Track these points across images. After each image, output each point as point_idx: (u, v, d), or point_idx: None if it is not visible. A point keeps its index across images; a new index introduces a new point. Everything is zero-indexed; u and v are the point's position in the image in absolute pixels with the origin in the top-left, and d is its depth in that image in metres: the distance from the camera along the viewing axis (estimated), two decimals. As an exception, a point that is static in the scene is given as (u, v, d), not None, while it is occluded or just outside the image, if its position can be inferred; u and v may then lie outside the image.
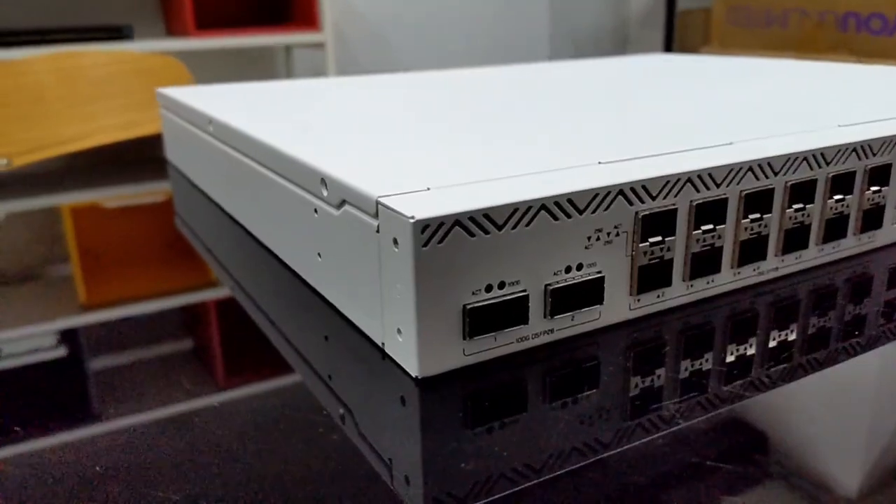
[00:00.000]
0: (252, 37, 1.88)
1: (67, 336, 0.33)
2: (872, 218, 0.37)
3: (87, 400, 0.28)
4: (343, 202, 0.29)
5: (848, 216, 0.36)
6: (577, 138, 0.36)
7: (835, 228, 0.35)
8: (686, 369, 0.27)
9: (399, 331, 0.27)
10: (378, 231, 0.27)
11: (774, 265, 0.34)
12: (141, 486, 0.22)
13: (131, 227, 0.51)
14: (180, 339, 0.33)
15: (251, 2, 2.11)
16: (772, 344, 0.29)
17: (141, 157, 0.82)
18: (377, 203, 0.26)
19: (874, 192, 0.36)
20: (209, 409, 0.26)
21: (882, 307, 0.32)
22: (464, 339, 0.27)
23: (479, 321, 0.27)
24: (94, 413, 0.27)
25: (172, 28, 1.96)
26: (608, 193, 0.28)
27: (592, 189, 0.28)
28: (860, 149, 0.35)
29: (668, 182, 0.30)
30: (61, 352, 0.32)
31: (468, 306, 0.26)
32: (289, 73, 2.22)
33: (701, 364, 0.28)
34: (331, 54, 1.98)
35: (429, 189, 0.27)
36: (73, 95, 1.19)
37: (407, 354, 0.27)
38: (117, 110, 1.20)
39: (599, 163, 0.31)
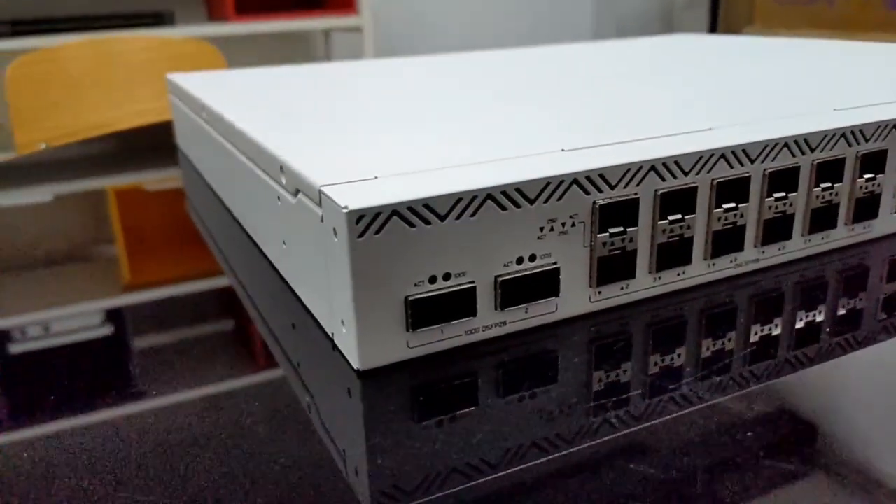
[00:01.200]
0: (290, 21, 1.89)
1: (108, 314, 0.34)
2: (867, 207, 0.35)
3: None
4: (297, 190, 0.29)
5: (837, 205, 0.34)
6: (552, 124, 0.34)
7: (822, 218, 0.34)
8: (641, 367, 0.26)
9: (343, 322, 0.26)
10: (322, 220, 0.26)
11: (754, 256, 0.33)
12: (107, 484, 0.22)
13: (171, 209, 0.51)
14: (153, 329, 0.34)
15: (290, -14, 2.12)
16: (734, 341, 0.28)
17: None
18: (319, 192, 0.26)
19: (867, 179, 0.34)
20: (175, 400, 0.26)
21: (861, 303, 0.30)
22: (407, 331, 0.26)
23: (422, 313, 0.26)
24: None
25: (214, 13, 1.99)
26: (561, 183, 0.27)
27: (543, 178, 0.27)
28: (850, 134, 0.33)
29: (628, 170, 0.28)
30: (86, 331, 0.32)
31: (410, 298, 0.26)
32: (327, 57, 2.23)
33: (659, 361, 0.27)
34: (368, 38, 1.98)
35: (376, 178, 0.27)
36: (109, 81, 1.21)
37: (350, 346, 0.26)
38: (152, 95, 1.22)
39: (563, 150, 0.30)
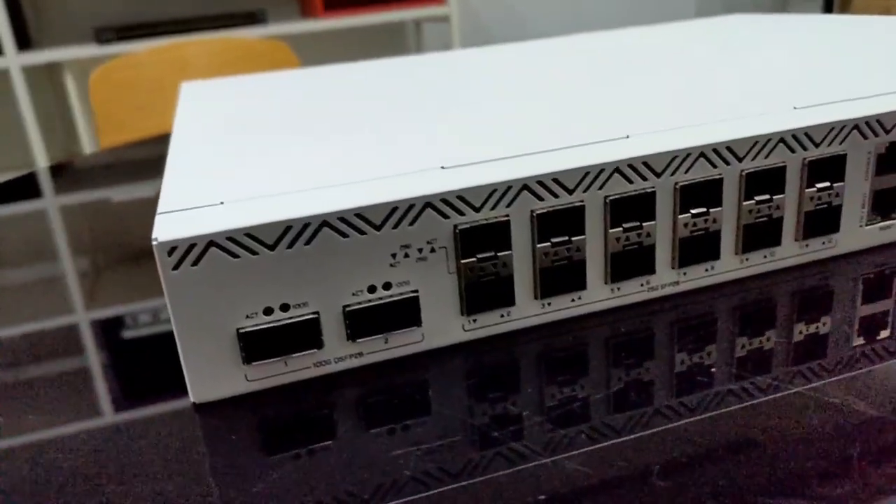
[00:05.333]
0: (378, 14, 1.91)
1: None
2: (823, 220, 0.30)
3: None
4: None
5: (780, 220, 0.30)
6: (459, 137, 0.32)
7: (759, 234, 0.30)
8: (513, 402, 0.24)
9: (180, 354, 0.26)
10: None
11: (672, 279, 0.29)
12: None
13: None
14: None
15: (378, -21, 2.13)
16: (619, 381, 0.25)
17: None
18: (156, 218, 0.26)
19: (821, 189, 0.30)
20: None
21: (767, 343, 0.27)
22: (244, 364, 0.25)
23: (256, 346, 0.25)
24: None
25: (305, 10, 2.04)
26: (411, 207, 0.25)
27: (388, 203, 0.25)
28: (792, 139, 0.29)
29: (493, 191, 0.26)
30: None
31: (241, 330, 0.25)
32: (418, 48, 2.24)
33: (532, 397, 0.24)
34: (456, 27, 1.97)
35: (222, 203, 0.26)
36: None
37: (186, 379, 0.26)
38: (227, 96, 1.26)
39: (442, 167, 0.28)
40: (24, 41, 1.73)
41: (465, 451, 0.22)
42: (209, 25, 1.79)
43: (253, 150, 0.33)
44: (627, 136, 0.29)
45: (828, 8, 1.92)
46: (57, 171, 0.70)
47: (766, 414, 0.22)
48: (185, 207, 0.26)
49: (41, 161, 1.67)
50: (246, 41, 1.36)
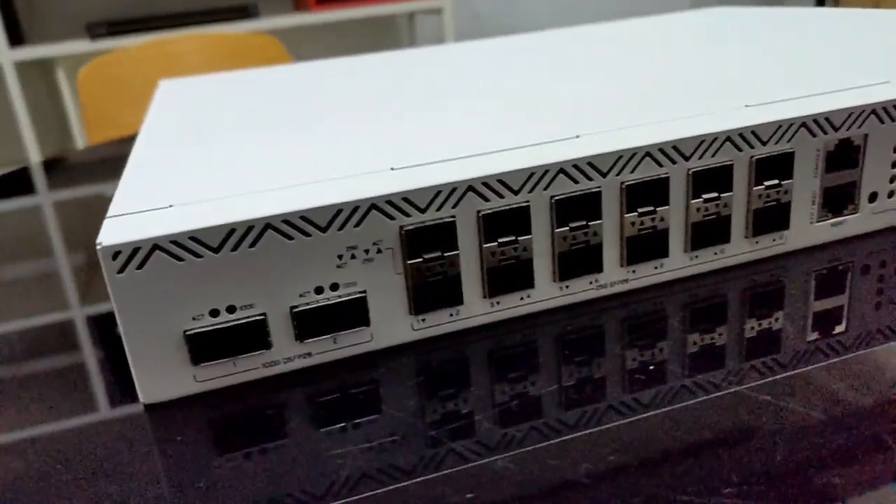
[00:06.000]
0: (370, 7, 1.91)
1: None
2: (772, 217, 0.31)
3: None
4: (123, 217, 0.29)
5: (728, 217, 0.30)
6: (415, 137, 0.32)
7: (709, 232, 0.30)
8: (463, 399, 0.25)
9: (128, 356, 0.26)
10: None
11: (622, 277, 0.30)
12: None
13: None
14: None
15: (370, -28, 2.13)
16: (567, 380, 0.25)
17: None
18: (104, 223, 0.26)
19: (769, 187, 0.30)
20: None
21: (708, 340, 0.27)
22: (192, 365, 0.26)
23: (203, 347, 0.25)
24: None
25: (298, 4, 2.04)
26: (356, 209, 0.26)
27: (332, 205, 0.25)
28: (739, 138, 0.29)
29: (438, 193, 0.26)
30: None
31: (188, 332, 0.25)
32: (411, 41, 2.23)
33: (482, 395, 0.25)
34: (449, 20, 1.97)
35: (171, 206, 0.26)
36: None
37: (135, 380, 0.26)
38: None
39: (392, 169, 0.28)
40: (16, 37, 1.73)
41: (416, 448, 0.22)
42: (201, 20, 1.79)
43: (213, 151, 0.33)
44: (577, 136, 0.30)
45: (820, 1, 1.92)
46: (50, 166, 0.71)
47: (705, 412, 0.23)
48: (135, 211, 0.26)
49: (34, 157, 1.67)
50: (235, 36, 1.36)
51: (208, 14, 1.81)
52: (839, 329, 0.26)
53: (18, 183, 0.63)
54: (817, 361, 0.25)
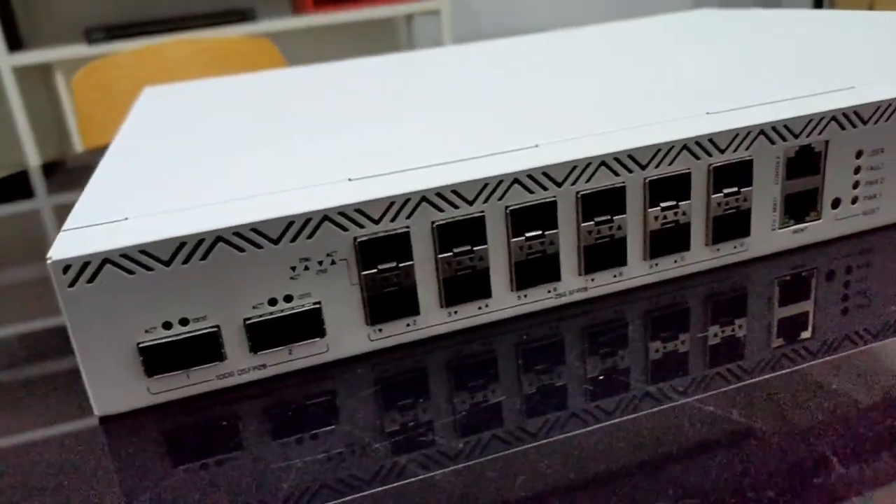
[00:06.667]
0: (368, 9, 1.91)
1: None
2: (732, 225, 0.31)
3: None
4: (84, 229, 0.29)
5: (687, 225, 0.30)
6: (377, 147, 0.32)
7: (666, 240, 0.30)
8: (422, 409, 0.25)
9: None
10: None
11: (580, 285, 0.30)
12: None
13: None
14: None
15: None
16: (529, 387, 0.25)
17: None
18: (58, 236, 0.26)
19: (728, 195, 0.30)
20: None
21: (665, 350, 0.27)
22: (146, 377, 0.26)
23: (156, 359, 0.26)
24: None
25: (296, 6, 2.04)
26: (308, 220, 0.26)
27: (284, 217, 0.26)
28: (696, 146, 0.29)
29: (392, 204, 0.26)
30: None
31: (141, 344, 0.25)
32: (410, 43, 2.24)
33: (439, 405, 0.25)
34: (446, 22, 1.97)
35: (126, 219, 0.27)
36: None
37: (89, 393, 0.26)
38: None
39: (349, 179, 0.28)
40: (15, 42, 1.74)
41: (371, 459, 0.23)
42: (200, 24, 1.80)
43: (179, 162, 0.33)
44: (536, 145, 0.30)
45: (818, 2, 1.91)
46: (49, 169, 0.71)
47: (649, 425, 0.23)
48: (90, 224, 0.26)
49: (33, 160, 1.68)
50: (231, 40, 1.36)
51: (207, 18, 1.82)
52: (803, 335, 0.26)
53: (17, 186, 0.64)
54: (776, 370, 0.25)
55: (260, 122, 0.40)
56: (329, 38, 2.15)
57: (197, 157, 0.34)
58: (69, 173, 0.69)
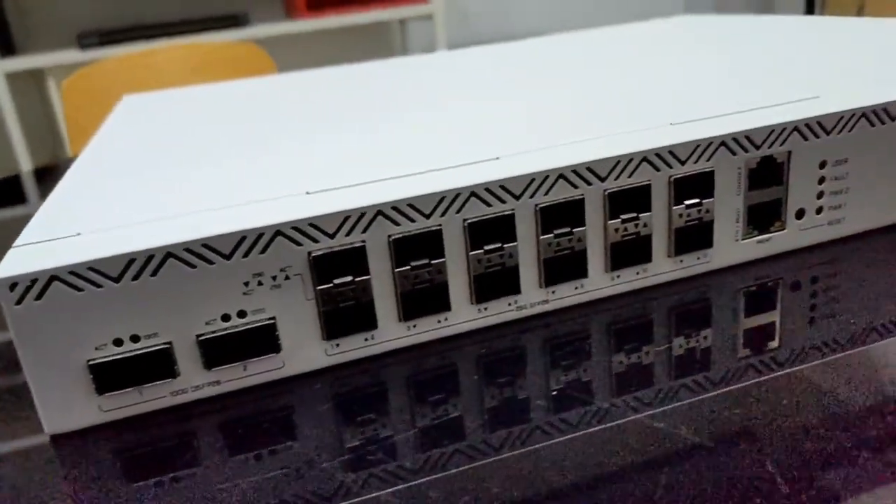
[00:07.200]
0: (361, 14, 1.91)
1: None
2: (695, 236, 0.31)
3: None
4: (41, 243, 0.29)
5: (649, 237, 0.30)
6: (339, 159, 0.32)
7: (627, 252, 0.30)
8: (382, 424, 0.24)
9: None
10: (6, 284, 0.26)
11: (541, 298, 0.30)
12: None
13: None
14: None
15: (361, -22, 2.13)
16: (492, 399, 0.25)
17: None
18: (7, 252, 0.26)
19: (689, 206, 0.30)
20: None
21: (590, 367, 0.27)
22: (97, 394, 0.26)
23: (107, 377, 0.25)
24: None
25: (289, 11, 2.04)
26: (260, 236, 0.26)
27: (237, 232, 0.25)
28: (656, 157, 0.29)
29: (347, 218, 0.26)
30: None
31: (91, 362, 0.25)
32: (404, 47, 2.23)
33: (398, 420, 0.25)
34: (440, 26, 1.97)
35: (78, 234, 0.26)
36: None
37: (39, 411, 0.26)
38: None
39: (307, 192, 0.28)
40: (7, 47, 1.74)
41: (327, 475, 0.22)
42: (193, 29, 1.80)
43: (140, 174, 0.33)
44: (498, 157, 0.30)
45: (809, 2, 1.91)
46: (41, 174, 0.71)
47: (608, 439, 0.22)
48: (41, 240, 0.26)
49: (25, 165, 1.68)
50: (220, 46, 1.36)
51: (201, 23, 1.82)
52: (770, 346, 0.26)
53: (9, 191, 0.64)
54: (737, 382, 0.24)
55: (230, 133, 0.40)
56: (323, 43, 2.15)
57: (159, 170, 0.33)
58: (61, 178, 0.69)
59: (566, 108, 0.36)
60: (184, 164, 0.34)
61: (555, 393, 0.25)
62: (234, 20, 1.85)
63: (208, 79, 1.27)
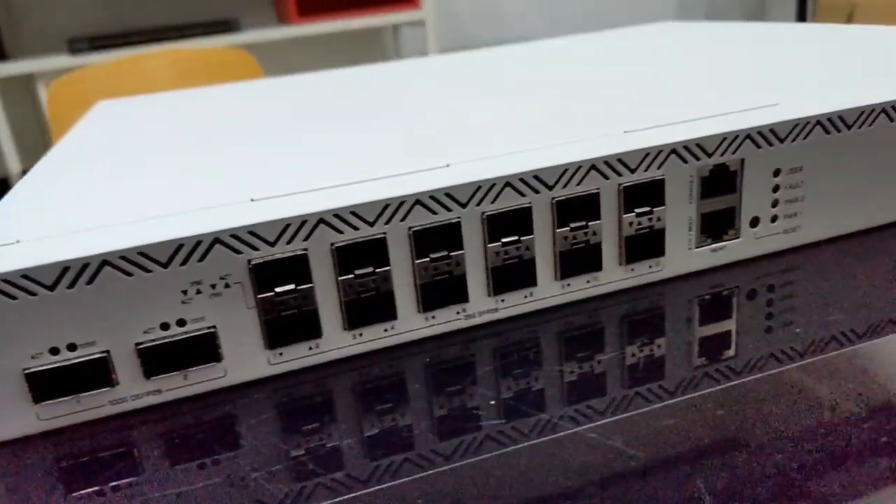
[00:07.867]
0: (353, 19, 1.91)
1: None
2: (646, 244, 0.30)
3: None
4: None
5: (597, 245, 0.30)
6: (290, 166, 0.32)
7: (577, 260, 0.30)
8: (327, 434, 0.24)
9: (-26, 393, 0.26)
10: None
11: (490, 306, 0.29)
12: None
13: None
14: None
15: (353, -16, 2.13)
16: (440, 409, 0.25)
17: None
18: (-54, 261, 0.26)
19: (640, 214, 0.30)
20: None
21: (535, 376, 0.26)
22: (34, 403, 0.25)
23: (43, 385, 0.25)
24: None
25: (281, 16, 2.04)
26: (198, 243, 0.25)
27: (174, 240, 0.25)
28: (605, 165, 0.29)
29: (287, 226, 0.26)
30: None
31: (26, 370, 0.25)
32: (396, 53, 2.24)
33: (342, 429, 0.24)
34: (431, 32, 1.97)
35: (18, 241, 0.26)
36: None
37: (-22, 418, 0.26)
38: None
39: (252, 200, 0.28)
40: (-3, 53, 1.74)
41: (273, 485, 0.22)
42: (185, 34, 1.80)
43: (90, 181, 0.33)
44: (448, 165, 0.29)
45: (801, 9, 1.92)
46: None
47: (552, 452, 0.22)
48: (-19, 247, 0.26)
49: (14, 169, 1.67)
50: (207, 51, 1.36)
51: (192, 28, 1.82)
52: (726, 354, 0.26)
53: None
54: (694, 391, 0.24)
55: (188, 140, 0.40)
56: (315, 49, 2.15)
57: (111, 177, 0.33)
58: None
59: (528, 116, 0.36)
60: (136, 171, 0.34)
61: (504, 401, 0.25)
62: (225, 25, 1.85)
63: (195, 84, 1.27)
